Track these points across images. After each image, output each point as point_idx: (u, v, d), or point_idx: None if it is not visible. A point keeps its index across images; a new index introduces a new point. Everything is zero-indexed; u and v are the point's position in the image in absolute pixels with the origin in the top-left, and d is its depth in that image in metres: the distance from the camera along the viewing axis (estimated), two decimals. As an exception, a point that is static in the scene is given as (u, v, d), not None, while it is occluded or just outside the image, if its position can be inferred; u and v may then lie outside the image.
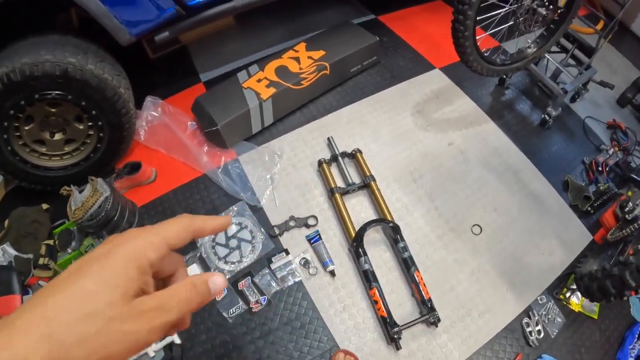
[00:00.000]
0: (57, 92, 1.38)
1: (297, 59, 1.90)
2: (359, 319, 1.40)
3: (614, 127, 2.00)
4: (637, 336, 1.51)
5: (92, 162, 1.64)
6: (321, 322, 1.39)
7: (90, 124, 1.55)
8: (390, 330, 1.32)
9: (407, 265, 1.45)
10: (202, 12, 1.70)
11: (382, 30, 2.32)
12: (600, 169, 1.78)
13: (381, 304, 1.36)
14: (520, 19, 1.42)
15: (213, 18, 1.73)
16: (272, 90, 1.78)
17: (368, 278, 1.40)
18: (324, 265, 1.47)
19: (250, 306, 1.39)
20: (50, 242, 1.48)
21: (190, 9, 1.66)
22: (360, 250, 1.44)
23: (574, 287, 1.52)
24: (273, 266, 1.47)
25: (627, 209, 1.59)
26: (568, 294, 1.53)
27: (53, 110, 1.47)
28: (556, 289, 1.54)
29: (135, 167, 1.68)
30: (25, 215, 1.50)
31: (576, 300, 1.53)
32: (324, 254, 1.49)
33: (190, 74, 2.12)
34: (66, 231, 1.56)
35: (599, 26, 2.04)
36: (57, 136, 1.55)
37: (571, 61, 1.90)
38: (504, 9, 1.36)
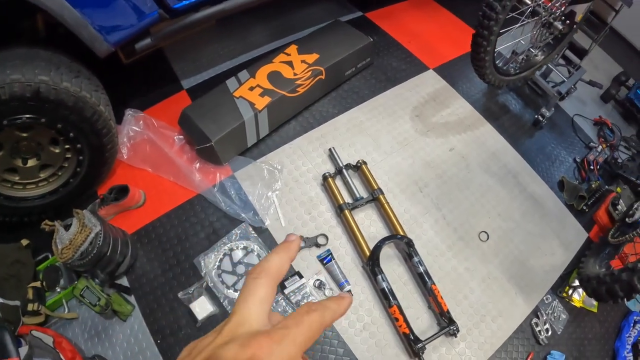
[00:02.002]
0: (28, 115, 1.20)
1: (290, 64, 1.78)
2: (379, 337, 1.38)
3: (600, 124, 2.07)
4: (632, 325, 1.61)
5: (72, 188, 1.48)
6: (342, 343, 1.36)
7: (67, 146, 1.38)
8: (414, 346, 1.31)
9: (423, 279, 1.43)
10: (188, 15, 1.55)
11: (371, 28, 2.24)
12: (591, 167, 1.85)
13: (403, 320, 1.34)
14: (536, 32, 1.40)
15: (199, 22, 1.58)
16: (267, 99, 1.66)
17: (387, 296, 1.38)
18: (340, 286, 1.43)
19: (267, 335, 1.33)
20: (37, 284, 1.32)
21: (175, 12, 1.50)
22: (376, 269, 1.41)
23: (575, 284, 1.59)
24: (286, 291, 1.40)
25: (620, 206, 1.67)
26: (570, 292, 1.60)
27: (24, 135, 1.30)
28: (559, 288, 1.60)
29: (122, 192, 1.53)
30: (4, 255, 1.32)
31: (577, 297, 1.60)
32: (338, 275, 1.44)
33: (170, 80, 1.95)
34: (52, 268, 1.40)
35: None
36: (31, 162, 1.38)
37: (561, 61, 1.93)
38: (520, 23, 1.33)
